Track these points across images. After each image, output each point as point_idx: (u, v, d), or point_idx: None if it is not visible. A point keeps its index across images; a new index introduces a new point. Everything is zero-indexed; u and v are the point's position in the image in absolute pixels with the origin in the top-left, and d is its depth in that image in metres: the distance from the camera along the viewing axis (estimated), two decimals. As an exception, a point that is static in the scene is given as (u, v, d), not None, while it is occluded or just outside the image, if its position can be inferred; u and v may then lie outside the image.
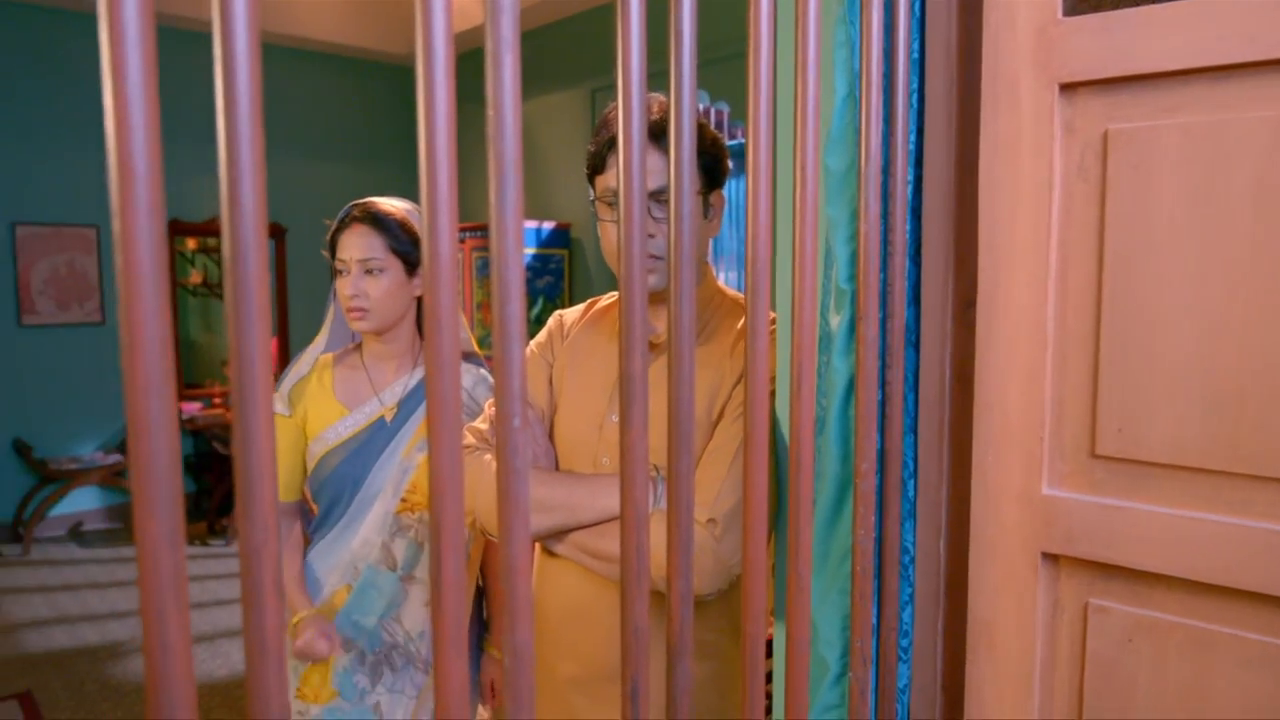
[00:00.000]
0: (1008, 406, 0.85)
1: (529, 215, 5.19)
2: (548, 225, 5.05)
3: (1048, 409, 0.84)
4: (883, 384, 0.87)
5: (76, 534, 5.11)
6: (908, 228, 0.90)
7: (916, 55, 0.91)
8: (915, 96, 0.91)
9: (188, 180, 5.13)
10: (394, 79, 6.16)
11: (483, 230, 5.04)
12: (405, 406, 1.60)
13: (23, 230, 4.84)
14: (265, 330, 0.43)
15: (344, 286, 1.51)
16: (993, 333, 0.86)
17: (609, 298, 1.38)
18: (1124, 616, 0.82)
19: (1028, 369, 0.84)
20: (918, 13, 0.89)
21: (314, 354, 1.66)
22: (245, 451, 0.42)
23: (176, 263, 5.73)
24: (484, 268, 5.22)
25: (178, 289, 5.73)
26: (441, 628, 0.50)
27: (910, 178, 0.91)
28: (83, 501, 5.18)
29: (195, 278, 6.63)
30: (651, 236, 1.16)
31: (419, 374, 1.62)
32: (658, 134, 1.14)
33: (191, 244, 6.41)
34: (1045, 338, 0.84)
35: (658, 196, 1.15)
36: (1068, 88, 0.81)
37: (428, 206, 0.48)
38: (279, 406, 1.59)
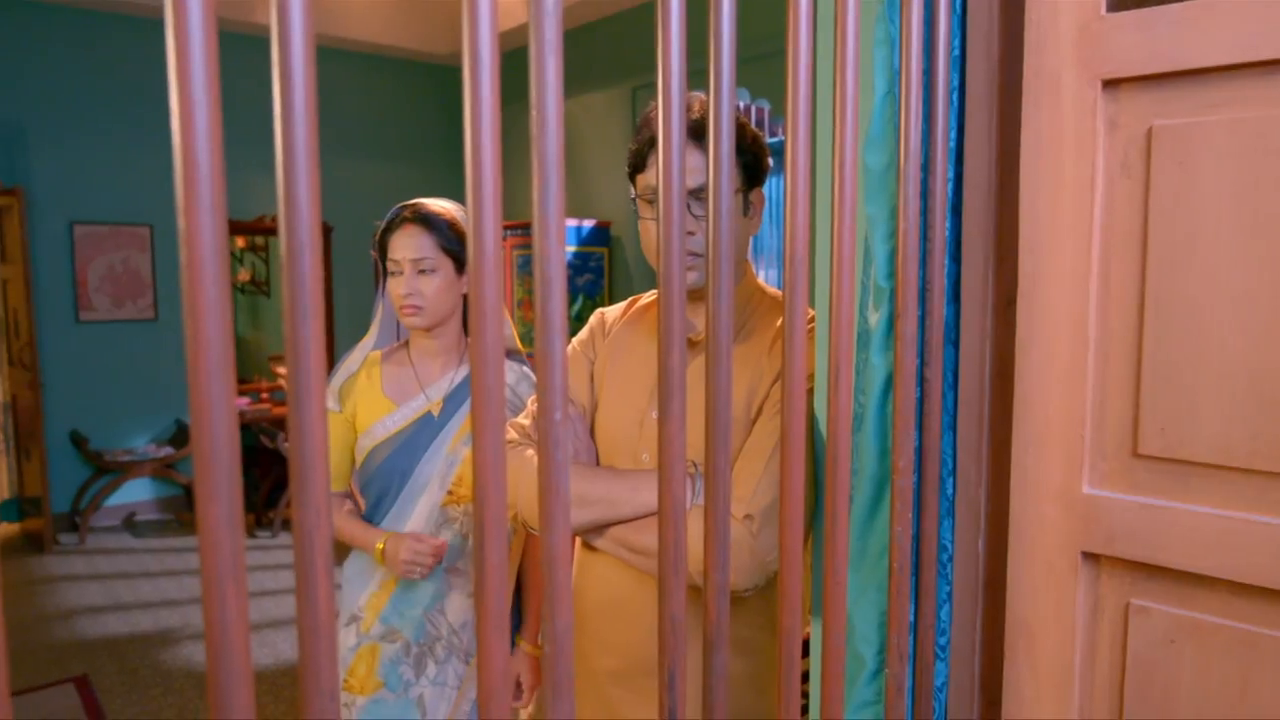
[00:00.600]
0: (1048, 405, 0.85)
1: (569, 213, 5.22)
2: (588, 223, 5.08)
3: (1089, 407, 0.83)
4: (921, 381, 0.87)
5: (130, 524, 5.26)
6: (947, 225, 0.89)
7: (957, 52, 0.90)
8: (956, 94, 0.91)
9: (235, 180, 5.25)
10: (438, 79, 6.24)
11: (524, 228, 5.09)
12: (451, 402, 1.63)
13: (80, 229, 5.00)
14: (319, 325, 0.45)
15: (398, 286, 1.55)
16: (1033, 330, 0.85)
17: (650, 296, 1.39)
18: (1166, 617, 0.82)
19: (1069, 367, 0.84)
20: (958, 10, 0.89)
21: (364, 351, 1.70)
22: (300, 439, 0.44)
23: (226, 261, 5.86)
24: (525, 265, 5.26)
25: (227, 286, 5.86)
26: (485, 614, 0.52)
27: (950, 175, 0.90)
28: (136, 492, 5.34)
29: (243, 275, 6.79)
30: (691, 234, 1.17)
31: (465, 370, 1.65)
32: (698, 132, 1.15)
33: (240, 242, 6.56)
34: (1087, 336, 0.83)
35: (698, 194, 1.16)
36: (1111, 84, 0.81)
37: (473, 205, 0.50)
38: (329, 402, 1.63)
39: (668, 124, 0.61)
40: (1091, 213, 0.82)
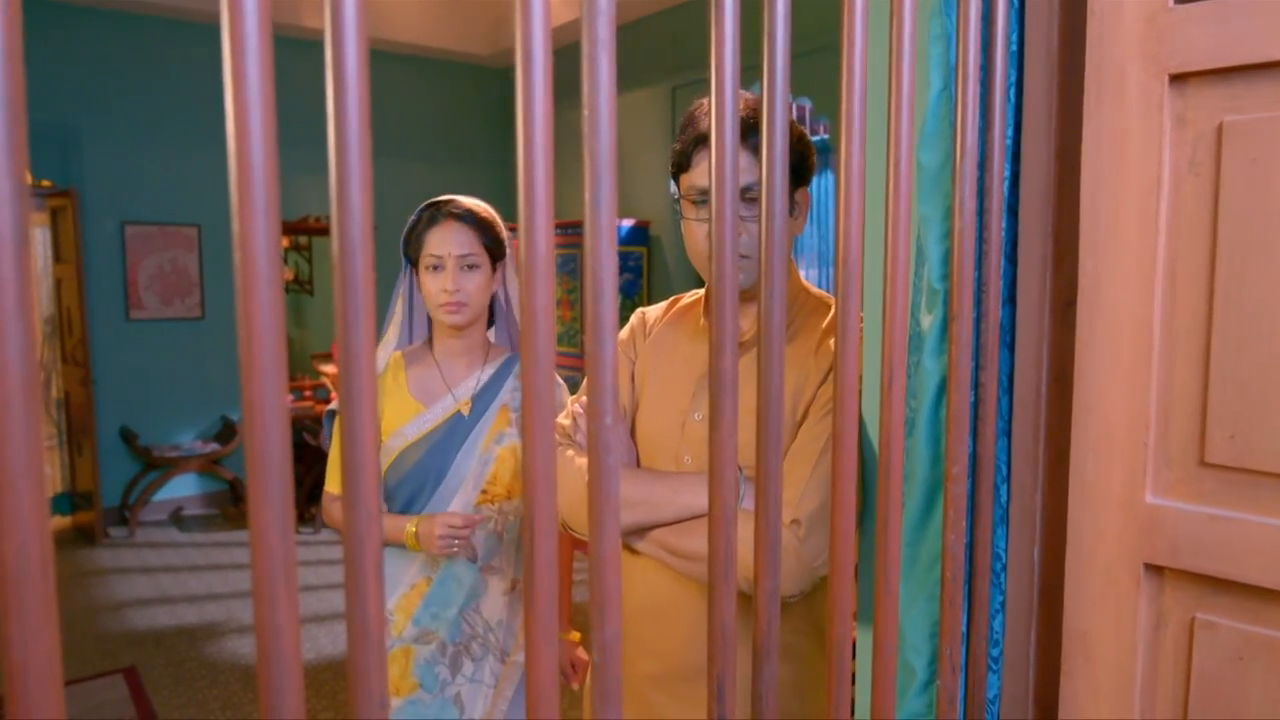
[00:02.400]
0: (1109, 410, 0.82)
1: (608, 213, 5.21)
2: (627, 223, 5.08)
3: (1153, 414, 0.80)
4: (975, 385, 0.84)
5: (177, 518, 5.37)
6: (1003, 225, 0.87)
7: (1015, 47, 0.88)
8: (1013, 90, 0.88)
9: (280, 180, 5.33)
10: (479, 80, 6.28)
11: (562, 228, 5.10)
12: (480, 401, 1.63)
13: (131, 230, 5.11)
14: (371, 326, 0.44)
15: (439, 282, 1.54)
16: (1094, 333, 0.83)
17: (691, 295, 1.38)
18: (1234, 633, 0.78)
19: (1132, 371, 0.81)
20: (1016, 3, 0.87)
21: (387, 351, 1.69)
22: (351, 441, 0.44)
23: (271, 260, 5.97)
24: (563, 264, 5.27)
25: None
26: (534, 618, 0.51)
27: (1007, 173, 0.88)
28: (182, 488, 5.44)
29: (287, 275, 6.90)
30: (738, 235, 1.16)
31: (490, 369, 1.66)
32: (745, 131, 1.14)
33: (284, 242, 6.67)
34: (1151, 339, 0.80)
35: (744, 195, 1.14)
36: (1179, 79, 0.78)
37: (524, 205, 0.49)
38: None
39: (720, 124, 0.60)
40: (1157, 212, 0.79)
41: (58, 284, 4.99)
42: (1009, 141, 0.87)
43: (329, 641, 3.61)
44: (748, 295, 1.21)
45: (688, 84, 4.86)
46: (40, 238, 4.99)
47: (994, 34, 0.82)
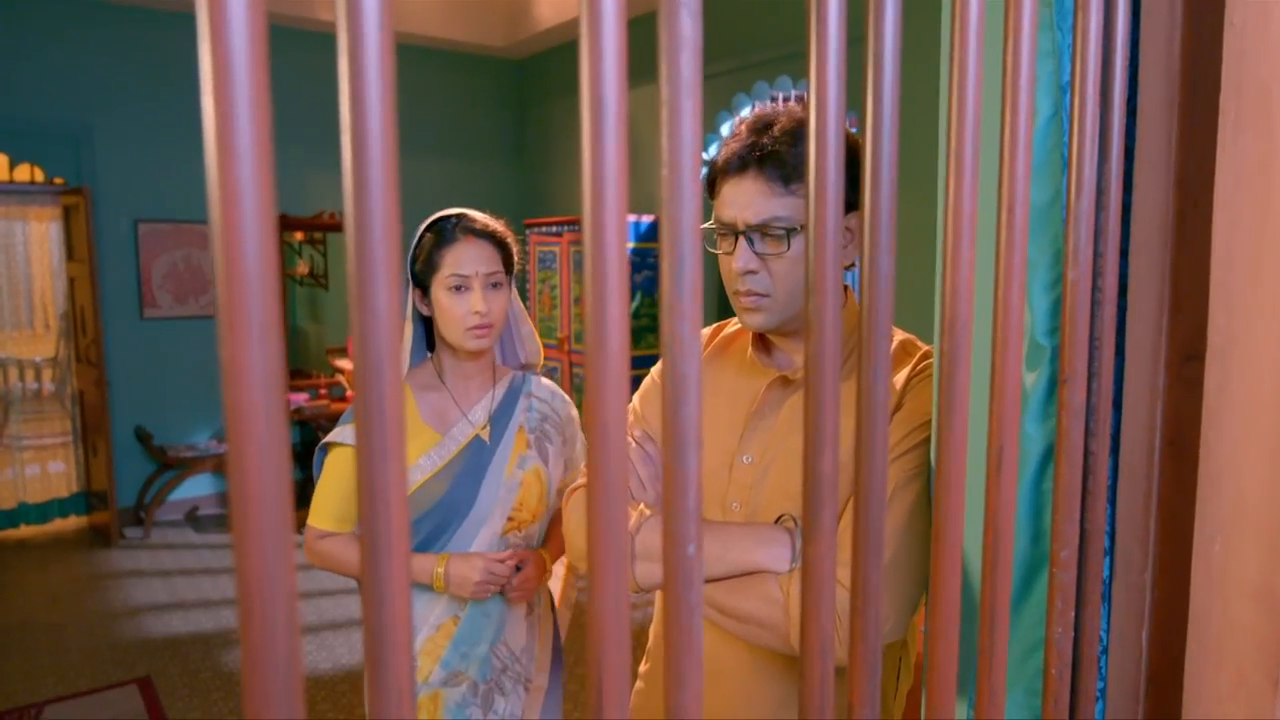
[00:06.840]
0: (1243, 484, 0.71)
1: (628, 209, 5.11)
2: (646, 219, 4.96)
3: (1298, 491, 0.69)
4: (1086, 455, 0.74)
5: (192, 518, 5.32)
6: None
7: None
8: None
9: (295, 176, 5.25)
10: (495, 72, 6.16)
11: (570, 224, 4.99)
12: (498, 423, 1.54)
13: (145, 227, 5.04)
14: (396, 339, 0.34)
15: (469, 303, 1.44)
16: (1226, 393, 0.71)
17: (736, 323, 1.27)
18: (1394, 749, 0.67)
19: (1274, 439, 0.70)
20: (1132, 10, 0.75)
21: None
22: (370, 447, 0.33)
23: (285, 254, 5.90)
24: (562, 261, 5.17)
25: (286, 279, 5.90)
26: (607, 652, 0.40)
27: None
28: (198, 488, 5.39)
29: (302, 268, 6.82)
30: (754, 273, 1.06)
31: (501, 389, 1.58)
32: (763, 158, 1.04)
33: (299, 236, 6.59)
34: (1297, 405, 0.69)
35: (766, 230, 1.04)
36: (1338, 101, 0.66)
37: (591, 210, 0.38)
38: (350, 438, 1.51)
39: (821, 152, 0.49)
40: (1309, 258, 0.67)
41: (71, 282, 4.93)
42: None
43: (346, 650, 3.54)
44: (789, 330, 1.11)
45: (711, 75, 4.73)
46: (53, 235, 4.92)
47: (1113, 49, 0.71)
